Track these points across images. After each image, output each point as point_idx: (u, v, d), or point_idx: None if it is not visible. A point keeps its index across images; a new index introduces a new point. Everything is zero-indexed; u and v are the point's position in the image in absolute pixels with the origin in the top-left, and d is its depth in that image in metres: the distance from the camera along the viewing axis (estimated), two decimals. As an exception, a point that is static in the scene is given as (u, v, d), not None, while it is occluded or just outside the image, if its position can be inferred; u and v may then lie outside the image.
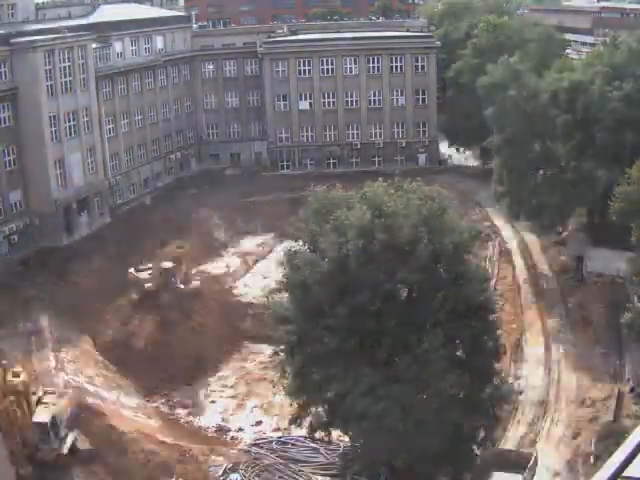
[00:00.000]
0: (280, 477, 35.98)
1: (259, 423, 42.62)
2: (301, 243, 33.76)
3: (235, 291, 58.36)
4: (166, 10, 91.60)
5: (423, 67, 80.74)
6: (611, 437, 33.31)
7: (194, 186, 76.12)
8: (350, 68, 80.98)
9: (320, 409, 33.70)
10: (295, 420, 34.66)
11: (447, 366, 29.54)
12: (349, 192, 34.21)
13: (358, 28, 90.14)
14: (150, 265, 53.55)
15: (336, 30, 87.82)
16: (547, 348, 46.67)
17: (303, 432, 36.25)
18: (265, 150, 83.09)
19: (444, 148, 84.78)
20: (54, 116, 60.28)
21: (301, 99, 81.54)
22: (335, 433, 35.49)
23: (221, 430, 42.26)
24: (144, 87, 76.01)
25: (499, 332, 34.14)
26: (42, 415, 33.74)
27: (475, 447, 33.87)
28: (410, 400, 28.96)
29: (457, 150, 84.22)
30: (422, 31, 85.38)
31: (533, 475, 33.90)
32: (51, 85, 59.81)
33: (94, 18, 73.23)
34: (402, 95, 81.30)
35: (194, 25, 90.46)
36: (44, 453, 33.57)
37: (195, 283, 54.52)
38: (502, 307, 45.90)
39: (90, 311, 50.99)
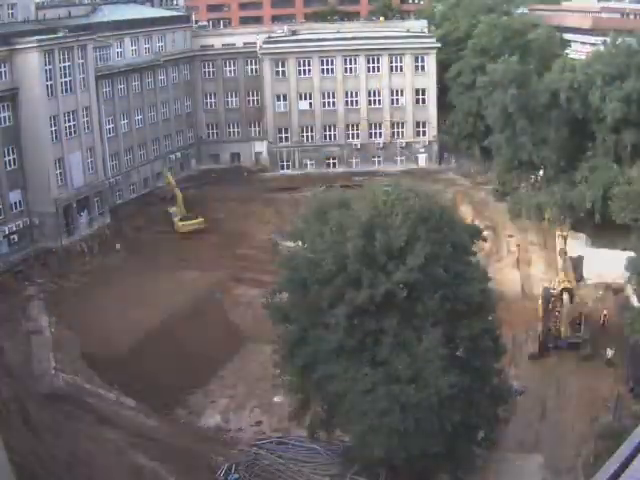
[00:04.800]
0: (280, 477, 35.96)
1: (259, 423, 42.59)
2: (301, 243, 33.76)
3: (235, 291, 58.39)
4: (166, 10, 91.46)
5: (423, 67, 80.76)
6: (611, 437, 33.28)
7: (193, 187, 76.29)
8: (350, 68, 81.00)
9: (320, 408, 33.69)
10: (294, 416, 34.64)
11: (447, 365, 29.53)
12: (349, 192, 34.22)
13: (358, 28, 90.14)
14: None
15: (336, 30, 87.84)
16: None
17: (303, 432, 36.22)
18: (265, 150, 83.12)
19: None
20: (54, 116, 60.30)
21: (301, 99, 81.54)
22: (335, 433, 35.48)
23: (221, 430, 42.23)
24: (144, 87, 76.05)
25: (499, 332, 34.12)
26: None
27: (475, 447, 33.89)
28: (410, 399, 28.94)
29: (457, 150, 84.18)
30: (422, 31, 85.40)
31: None
32: (51, 85, 59.83)
33: (94, 18, 73.27)
34: (402, 95, 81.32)
35: (194, 25, 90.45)
36: None
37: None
38: (502, 306, 45.85)
39: (90, 311, 51.04)
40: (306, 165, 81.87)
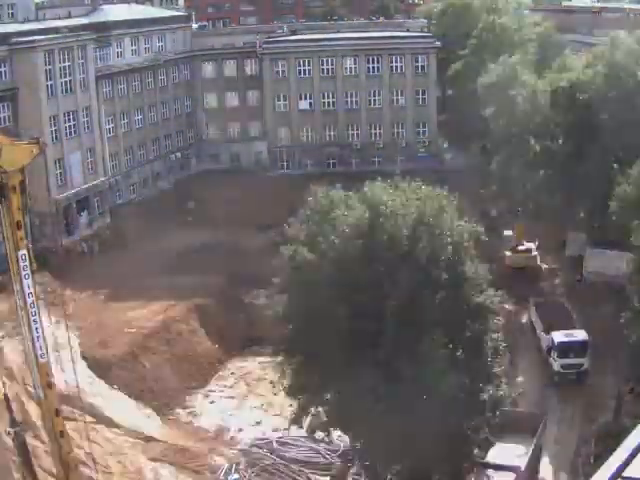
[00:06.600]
0: (280, 477, 35.99)
1: (259, 423, 42.62)
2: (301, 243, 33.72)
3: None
4: (166, 10, 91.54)
5: (423, 67, 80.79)
6: (611, 437, 33.28)
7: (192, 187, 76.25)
8: (350, 68, 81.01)
9: (320, 409, 33.69)
10: (295, 420, 34.65)
11: (447, 366, 29.49)
12: (349, 192, 34.15)
13: (358, 28, 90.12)
14: None
15: (336, 30, 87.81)
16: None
17: (303, 432, 36.25)
18: (265, 150, 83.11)
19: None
20: (54, 116, 60.31)
21: (301, 99, 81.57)
22: (335, 433, 35.50)
23: (221, 430, 42.25)
24: (144, 87, 76.07)
25: (499, 333, 34.08)
26: None
27: (475, 448, 33.84)
28: (410, 400, 28.91)
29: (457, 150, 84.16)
30: (422, 31, 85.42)
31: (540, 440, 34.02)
32: (51, 85, 59.84)
33: (94, 18, 73.30)
34: (402, 95, 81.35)
35: (194, 25, 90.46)
36: None
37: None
38: (501, 307, 45.87)
39: (90, 311, 51.04)
40: (306, 165, 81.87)
